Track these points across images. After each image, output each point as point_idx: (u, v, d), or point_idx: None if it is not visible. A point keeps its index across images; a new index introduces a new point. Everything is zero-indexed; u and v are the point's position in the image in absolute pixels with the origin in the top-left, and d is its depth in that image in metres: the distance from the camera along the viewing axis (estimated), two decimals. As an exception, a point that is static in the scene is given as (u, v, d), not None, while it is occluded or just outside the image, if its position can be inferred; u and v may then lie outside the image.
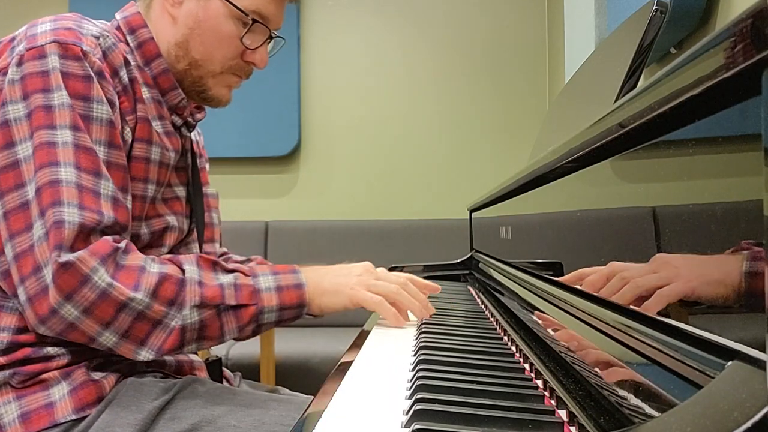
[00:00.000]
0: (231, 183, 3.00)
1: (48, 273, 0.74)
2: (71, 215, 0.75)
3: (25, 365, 0.78)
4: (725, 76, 0.28)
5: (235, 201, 2.99)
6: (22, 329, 0.79)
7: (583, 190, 0.59)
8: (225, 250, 1.18)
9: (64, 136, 0.77)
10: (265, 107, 2.96)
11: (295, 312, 0.85)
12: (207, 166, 1.14)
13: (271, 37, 0.95)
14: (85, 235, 0.75)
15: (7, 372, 0.78)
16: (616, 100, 0.70)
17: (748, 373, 0.27)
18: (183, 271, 0.81)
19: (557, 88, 2.72)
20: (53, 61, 0.78)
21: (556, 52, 2.75)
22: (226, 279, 0.82)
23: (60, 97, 0.77)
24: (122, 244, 0.78)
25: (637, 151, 0.43)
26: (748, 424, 0.24)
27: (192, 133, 1.02)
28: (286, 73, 2.97)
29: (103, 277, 0.74)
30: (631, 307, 0.43)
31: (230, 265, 0.86)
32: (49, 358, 0.79)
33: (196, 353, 0.97)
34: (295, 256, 2.73)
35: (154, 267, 0.79)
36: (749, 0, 0.26)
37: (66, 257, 0.73)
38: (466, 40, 2.97)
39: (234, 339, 0.85)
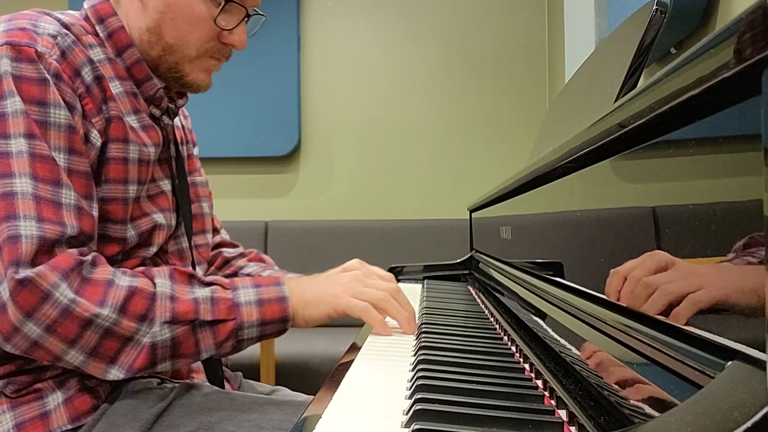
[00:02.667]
0: (231, 183, 3.01)
1: (4, 290, 0.70)
2: (28, 229, 0.71)
3: (19, 375, 0.77)
4: (725, 76, 0.28)
5: (235, 201, 2.99)
6: None
7: (583, 190, 0.59)
8: (222, 238, 1.15)
9: (18, 145, 0.73)
10: (265, 107, 2.96)
11: (279, 326, 0.81)
12: (196, 150, 1.08)
13: (248, 16, 0.90)
14: (47, 248, 0.71)
15: (0, 382, 0.77)
16: (616, 100, 0.70)
17: (748, 373, 0.27)
18: (154, 284, 0.77)
19: (557, 88, 2.72)
20: (5, 65, 0.74)
21: (556, 52, 2.75)
22: (202, 293, 0.78)
23: (13, 104, 0.73)
24: (89, 257, 0.75)
25: (637, 151, 0.43)
26: (748, 424, 0.24)
27: (176, 119, 0.98)
28: (286, 73, 2.97)
29: (65, 293, 0.71)
30: (631, 307, 0.43)
31: (209, 278, 0.82)
32: (43, 368, 0.78)
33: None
34: (295, 256, 2.73)
35: (124, 281, 0.75)
36: (749, 0, 0.26)
37: (24, 273, 0.69)
38: (466, 40, 2.97)
39: (213, 356, 0.80)
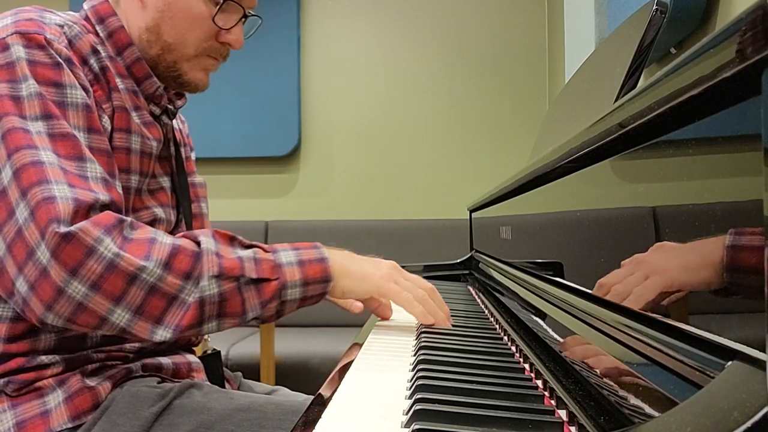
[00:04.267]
0: (231, 183, 3.01)
1: (44, 253, 0.68)
2: (62, 191, 0.69)
3: (20, 374, 0.77)
4: (725, 76, 0.28)
5: (235, 201, 2.99)
6: (13, 338, 0.77)
7: (583, 190, 0.59)
8: None
9: (36, 126, 0.73)
10: (265, 107, 2.96)
11: (320, 287, 0.79)
12: (193, 155, 1.10)
13: (246, 16, 0.91)
14: (84, 210, 0.70)
15: (1, 381, 0.76)
16: (616, 100, 0.70)
17: (748, 373, 0.27)
18: (198, 243, 0.76)
19: (557, 88, 2.72)
20: (17, 51, 0.75)
21: (556, 52, 2.76)
22: (245, 253, 0.78)
23: (28, 87, 0.74)
24: (128, 219, 0.74)
25: (637, 151, 0.43)
26: (748, 424, 0.24)
27: (174, 122, 0.99)
28: (286, 73, 2.97)
29: (109, 246, 0.69)
30: (631, 307, 0.43)
31: (247, 241, 0.82)
32: (43, 366, 0.78)
33: (193, 352, 0.97)
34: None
35: (167, 239, 0.74)
36: (749, 0, 0.26)
37: (66, 228, 0.68)
38: (466, 40, 2.97)
39: (256, 319, 0.78)
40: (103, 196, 0.73)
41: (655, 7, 0.74)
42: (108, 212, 0.72)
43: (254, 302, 0.76)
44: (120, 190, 0.78)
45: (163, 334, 0.72)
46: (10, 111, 0.73)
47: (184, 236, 0.77)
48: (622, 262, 0.46)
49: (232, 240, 0.80)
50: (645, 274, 0.41)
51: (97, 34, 0.86)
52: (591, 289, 0.54)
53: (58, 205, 0.69)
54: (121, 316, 0.71)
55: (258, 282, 0.76)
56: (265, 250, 0.79)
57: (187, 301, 0.72)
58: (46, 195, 0.69)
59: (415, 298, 0.83)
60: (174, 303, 0.72)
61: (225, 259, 0.75)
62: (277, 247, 0.81)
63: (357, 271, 0.82)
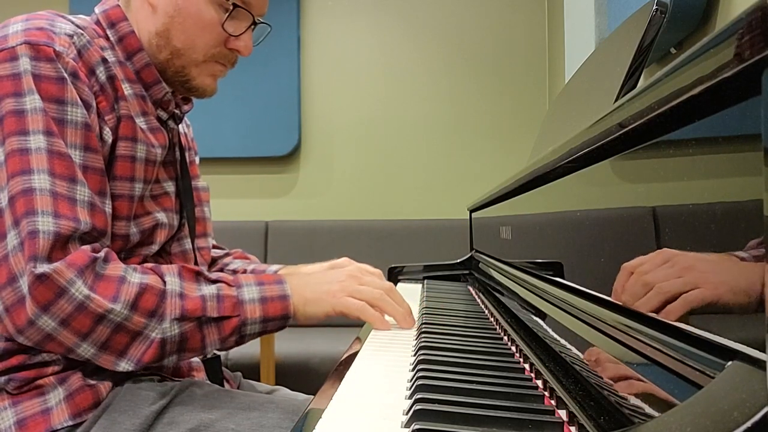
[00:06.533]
0: (231, 183, 3.01)
1: (24, 284, 0.72)
2: (45, 224, 0.73)
3: (21, 371, 0.78)
4: (725, 76, 0.28)
5: (235, 201, 2.99)
6: None
7: (583, 190, 0.59)
8: (213, 242, 1.17)
9: (37, 141, 0.75)
10: (265, 107, 2.96)
11: (280, 323, 0.85)
12: (197, 159, 1.11)
13: (255, 23, 0.92)
14: (62, 243, 0.74)
15: (2, 378, 0.77)
16: (616, 100, 0.70)
17: (748, 373, 0.27)
18: (164, 282, 0.79)
19: (557, 88, 2.72)
20: (24, 63, 0.76)
21: (556, 52, 2.76)
22: (209, 290, 0.81)
23: (32, 101, 0.75)
24: (101, 254, 0.77)
25: (637, 151, 0.43)
26: (748, 424, 0.24)
27: (180, 126, 1.00)
28: (286, 73, 2.97)
29: (80, 289, 0.73)
30: (631, 307, 0.43)
31: (214, 275, 0.85)
32: (44, 363, 0.78)
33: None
34: (295, 256, 2.72)
35: (135, 277, 0.78)
36: (749, 0, 0.26)
37: (42, 269, 0.72)
38: (466, 40, 2.98)
39: (216, 350, 0.83)
40: (85, 224, 0.76)
41: (655, 7, 0.74)
42: (83, 249, 0.75)
43: (214, 338, 0.81)
44: (108, 210, 0.81)
45: (125, 366, 0.78)
46: (13, 130, 0.75)
47: (152, 271, 0.81)
48: (624, 265, 0.46)
49: (197, 276, 0.83)
50: (647, 277, 0.41)
51: (108, 39, 0.87)
52: (591, 289, 0.54)
53: (39, 241, 0.73)
54: (87, 350, 0.76)
55: (219, 320, 0.81)
56: (229, 285, 0.83)
57: (150, 337, 0.77)
58: (30, 229, 0.73)
59: (372, 299, 0.85)
60: (137, 338, 0.77)
61: (188, 300, 0.79)
62: (242, 280, 0.84)
63: (312, 296, 0.85)
